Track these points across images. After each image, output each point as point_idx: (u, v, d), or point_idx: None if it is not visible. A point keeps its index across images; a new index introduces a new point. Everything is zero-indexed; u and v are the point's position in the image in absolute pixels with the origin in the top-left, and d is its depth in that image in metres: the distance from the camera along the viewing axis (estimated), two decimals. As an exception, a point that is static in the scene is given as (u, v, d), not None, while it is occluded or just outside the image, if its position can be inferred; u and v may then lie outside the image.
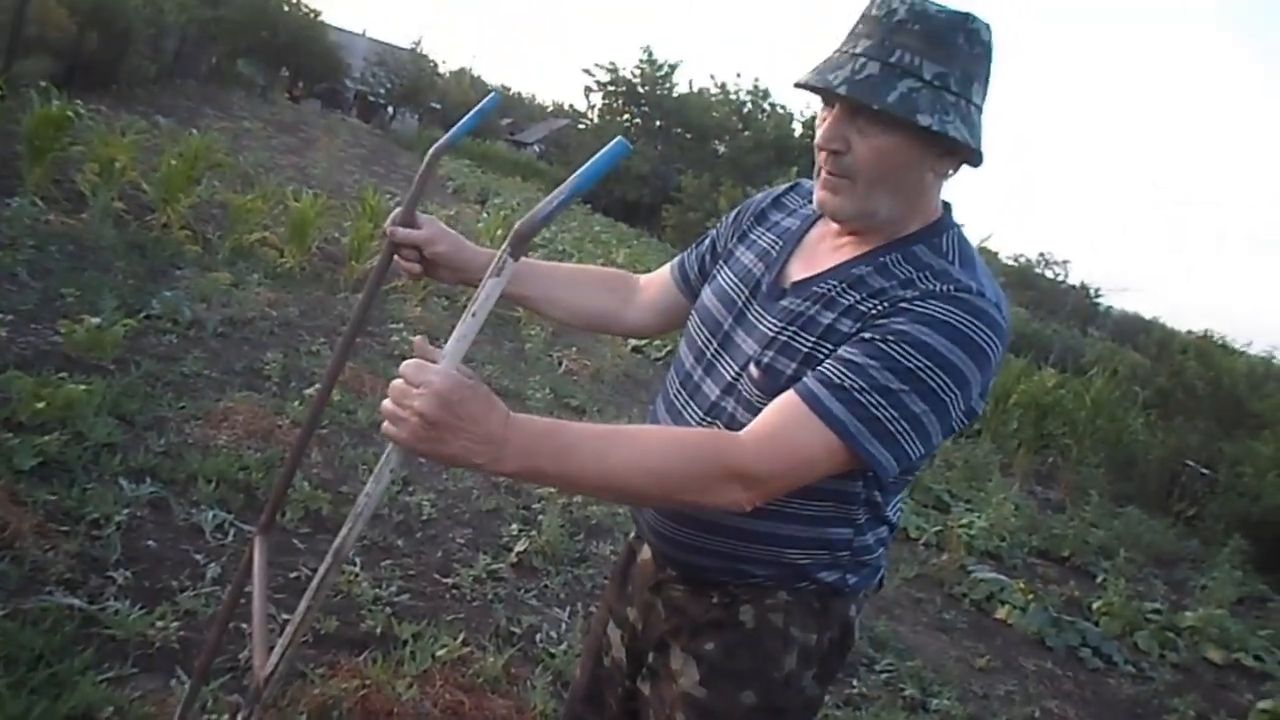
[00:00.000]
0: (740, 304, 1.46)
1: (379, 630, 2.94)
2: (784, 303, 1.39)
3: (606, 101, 35.91)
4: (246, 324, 5.50)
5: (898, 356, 1.23)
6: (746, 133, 32.93)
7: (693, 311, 1.57)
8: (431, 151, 1.58)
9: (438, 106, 46.20)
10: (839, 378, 1.24)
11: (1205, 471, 10.22)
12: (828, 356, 1.29)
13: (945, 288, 1.27)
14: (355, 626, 2.94)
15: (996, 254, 20.67)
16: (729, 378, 1.41)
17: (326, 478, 3.93)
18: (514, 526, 4.10)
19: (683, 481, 1.22)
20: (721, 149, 33.76)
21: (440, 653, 2.86)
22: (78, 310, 4.56)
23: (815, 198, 1.38)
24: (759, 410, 1.31)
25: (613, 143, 1.03)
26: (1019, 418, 10.27)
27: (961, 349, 1.23)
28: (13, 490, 2.94)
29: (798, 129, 31.48)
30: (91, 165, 6.80)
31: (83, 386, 3.62)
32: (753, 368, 1.36)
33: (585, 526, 4.43)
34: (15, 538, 2.73)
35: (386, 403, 1.09)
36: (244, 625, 2.72)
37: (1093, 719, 4.38)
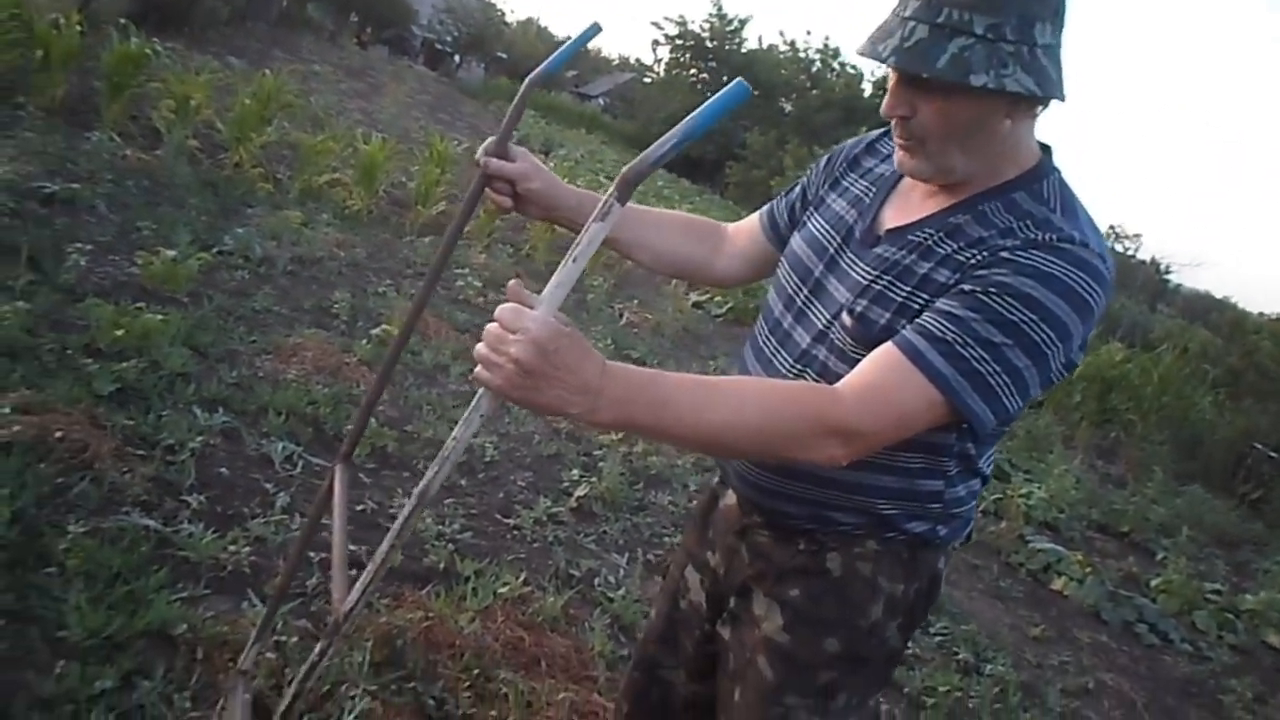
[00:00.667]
0: (832, 251, 1.43)
1: (442, 566, 2.99)
2: (878, 250, 1.36)
3: (674, 55, 35.61)
4: (315, 263, 5.57)
5: (1000, 309, 1.19)
6: (815, 91, 32.47)
7: (782, 259, 1.54)
8: (527, 81, 1.56)
9: (504, 56, 46.17)
10: (940, 330, 1.21)
11: (1274, 455, 9.99)
12: (923, 307, 1.26)
13: (1048, 237, 1.23)
14: (419, 561, 2.99)
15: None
16: (820, 325, 1.38)
17: (392, 416, 3.98)
18: (574, 472, 4.13)
19: (780, 437, 1.20)
20: (788, 107, 33.33)
21: (501, 590, 2.90)
22: (153, 244, 4.64)
23: (895, 159, 1.36)
24: (851, 359, 1.30)
25: (731, 84, 0.98)
26: (1083, 390, 10.10)
27: (1065, 301, 1.19)
28: (92, 414, 3.01)
29: (867, 89, 30.99)
30: (167, 103, 6.90)
31: (159, 317, 3.70)
32: (845, 316, 1.34)
33: (645, 475, 4.45)
34: (94, 459, 2.80)
35: (481, 348, 1.07)
36: (311, 554, 2.78)
37: (1147, 694, 4.32)
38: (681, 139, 1.00)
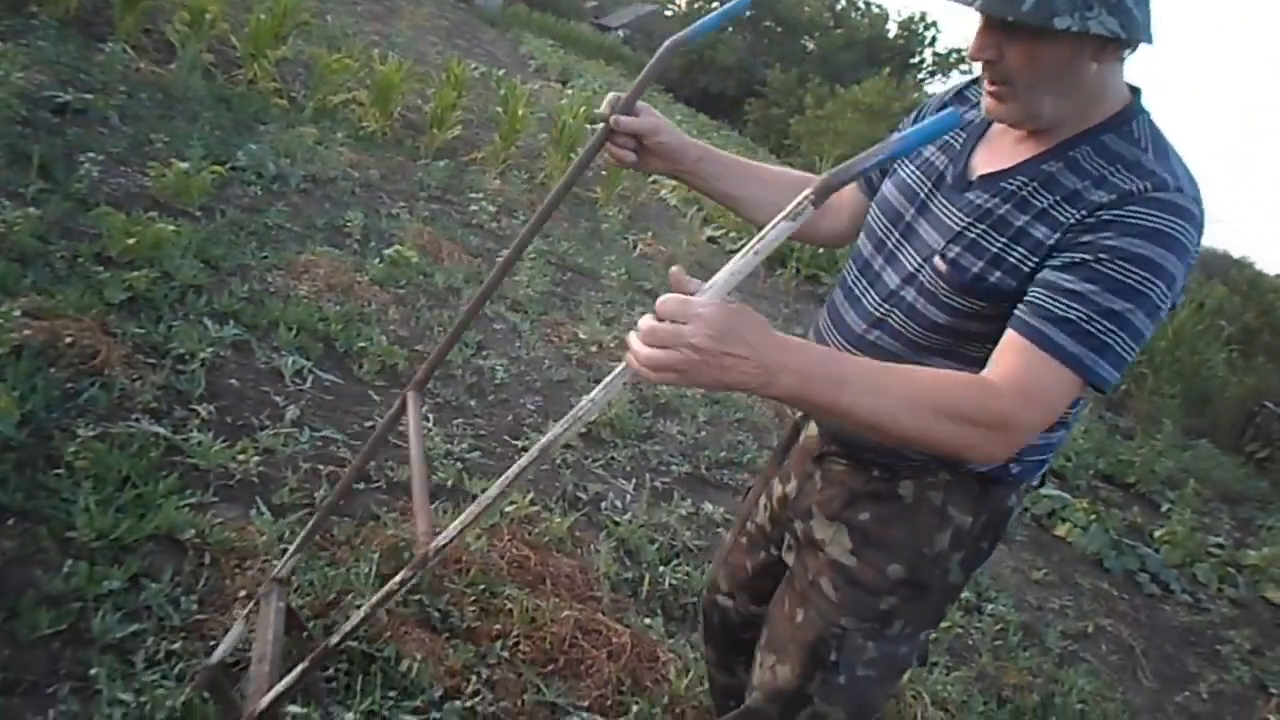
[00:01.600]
0: (923, 195, 1.43)
1: (450, 483, 3.00)
2: (970, 196, 1.37)
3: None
4: (329, 182, 5.51)
5: (1116, 275, 1.20)
6: (839, 30, 32.01)
7: (873, 205, 1.54)
8: (666, 45, 1.55)
9: (523, -16, 45.32)
10: (1064, 310, 1.21)
11: (1283, 414, 9.95)
12: (1019, 262, 1.28)
13: (1142, 187, 1.23)
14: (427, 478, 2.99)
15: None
16: (911, 268, 1.40)
17: (403, 335, 3.97)
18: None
19: (952, 428, 1.18)
20: (811, 45, 32.85)
21: (509, 509, 2.90)
22: (166, 156, 4.59)
23: (983, 105, 1.36)
24: (942, 302, 1.34)
25: (943, 114, 1.01)
26: (1095, 342, 10.04)
27: (1170, 252, 1.21)
28: (103, 321, 3.00)
29: (892, 29, 30.49)
30: (181, 15, 6.78)
31: (171, 228, 3.66)
32: (938, 260, 1.35)
33: (654, 404, 4.44)
34: (105, 365, 2.80)
35: (645, 345, 1.06)
36: (319, 466, 2.79)
37: (1145, 641, 4.35)
38: (890, 154, 1.01)
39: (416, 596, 2.39)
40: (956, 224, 1.36)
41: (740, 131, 26.96)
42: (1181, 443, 8.63)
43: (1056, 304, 1.22)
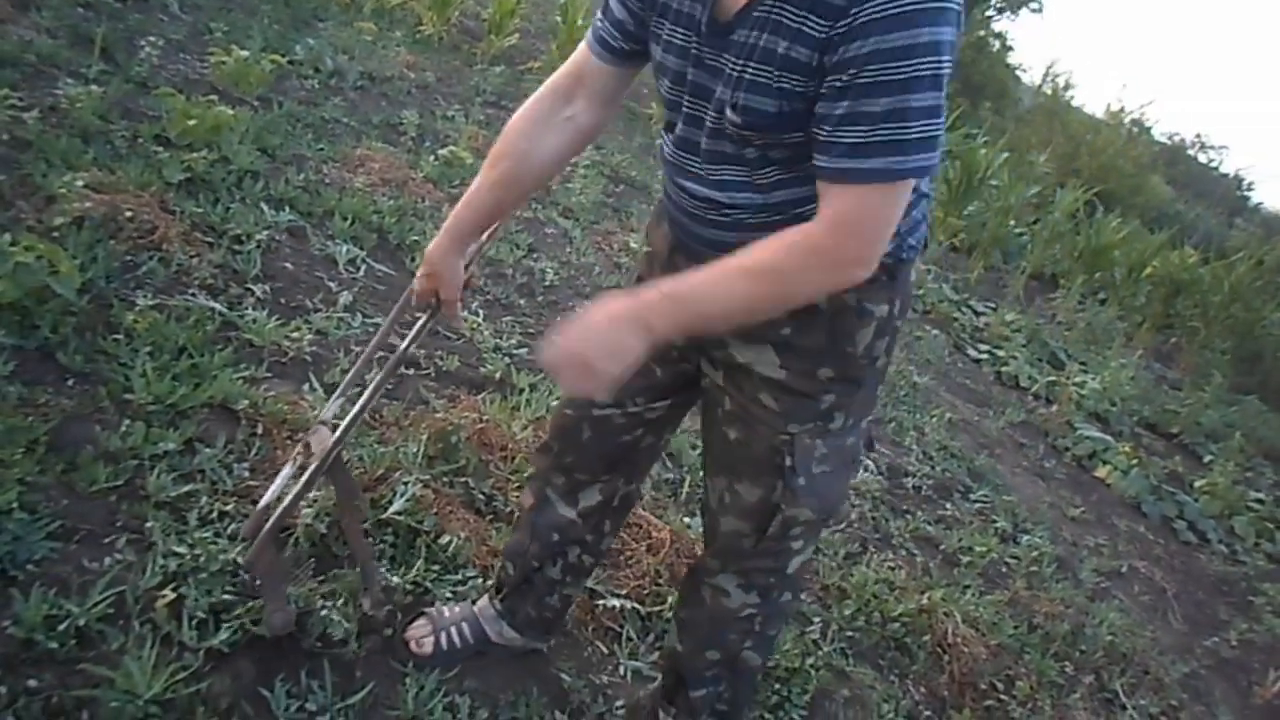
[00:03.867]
0: (693, 49, 1.38)
1: (498, 376, 3.02)
2: (732, 37, 1.32)
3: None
4: (385, 81, 5.48)
5: (881, 79, 1.19)
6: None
7: (657, 74, 1.49)
8: None
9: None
10: (845, 135, 1.23)
11: (1337, 376, 9.75)
12: (803, 90, 1.26)
13: None
14: (475, 369, 3.02)
15: (1149, 128, 19.36)
16: (711, 123, 1.38)
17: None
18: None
19: (801, 288, 1.32)
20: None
21: (554, 403, 2.92)
22: (225, 45, 4.58)
23: None
24: (756, 144, 1.34)
25: None
26: (1149, 293, 9.87)
27: (922, 26, 1.17)
28: (162, 199, 3.02)
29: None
30: (245, -94, 6.73)
31: (230, 112, 3.67)
32: (729, 111, 1.33)
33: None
34: (163, 241, 2.82)
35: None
36: (360, 348, 2.81)
37: (1177, 585, 4.34)
38: None
39: (462, 479, 2.42)
40: (731, 69, 1.32)
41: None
42: (1229, 397, 8.50)
43: (837, 134, 1.23)
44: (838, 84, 1.21)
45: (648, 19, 1.47)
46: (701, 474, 1.78)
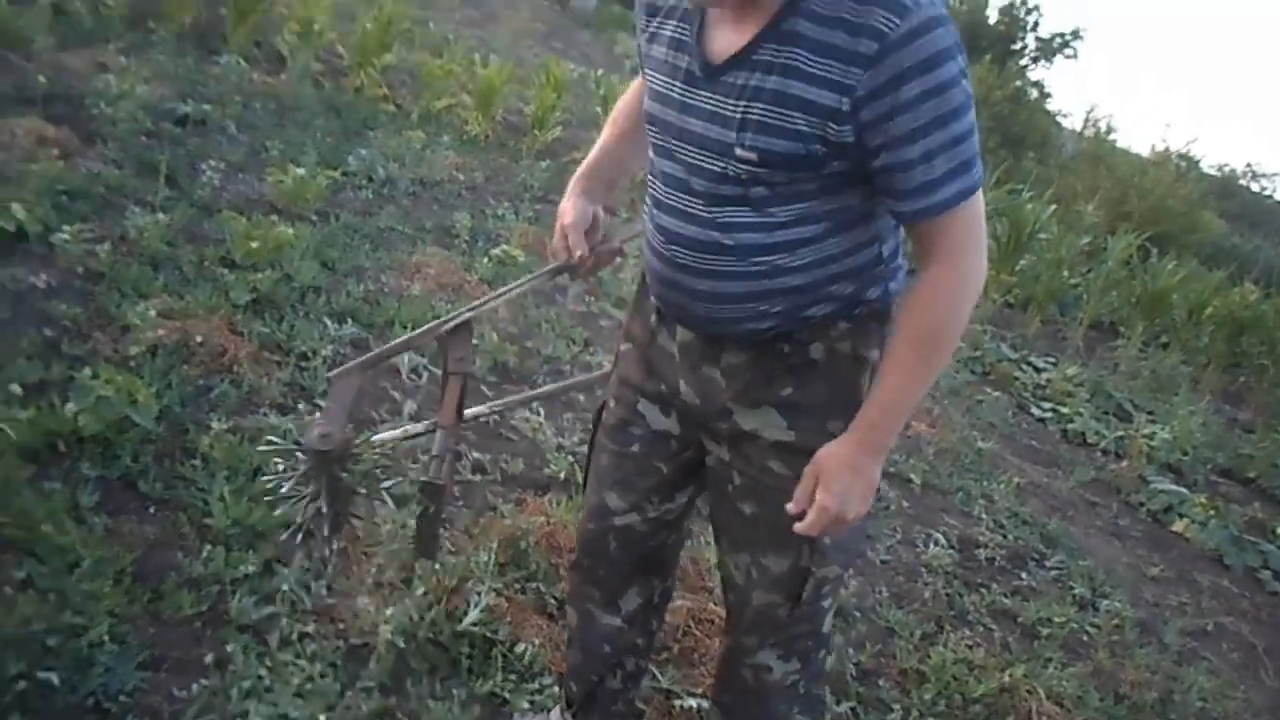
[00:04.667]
0: (678, 96, 1.44)
1: (562, 475, 3.06)
2: (727, 80, 1.38)
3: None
4: (435, 185, 5.65)
5: (933, 115, 1.28)
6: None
7: (643, 118, 1.55)
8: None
9: (616, -14, 45.62)
10: (923, 175, 1.31)
11: None
12: (824, 131, 1.31)
13: (892, 24, 1.25)
14: (540, 470, 3.06)
15: (1198, 162, 19.15)
16: (717, 168, 1.41)
17: (512, 332, 4.05)
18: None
19: (957, 331, 1.43)
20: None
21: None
22: (282, 163, 4.77)
23: None
24: (765, 181, 1.38)
25: None
26: (1212, 333, 9.67)
27: (950, 60, 1.28)
28: (230, 321, 3.14)
29: (992, 15, 29.73)
30: (291, 26, 7.02)
31: (290, 231, 3.81)
32: (739, 151, 1.37)
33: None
34: (234, 363, 2.93)
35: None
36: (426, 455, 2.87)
37: (1268, 639, 4.19)
38: None
39: (534, 584, 2.45)
40: (732, 111, 1.37)
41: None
42: (1307, 438, 8.27)
43: (912, 178, 1.32)
44: (895, 131, 1.29)
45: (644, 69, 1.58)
46: (716, 552, 1.78)
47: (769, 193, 1.39)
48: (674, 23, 1.48)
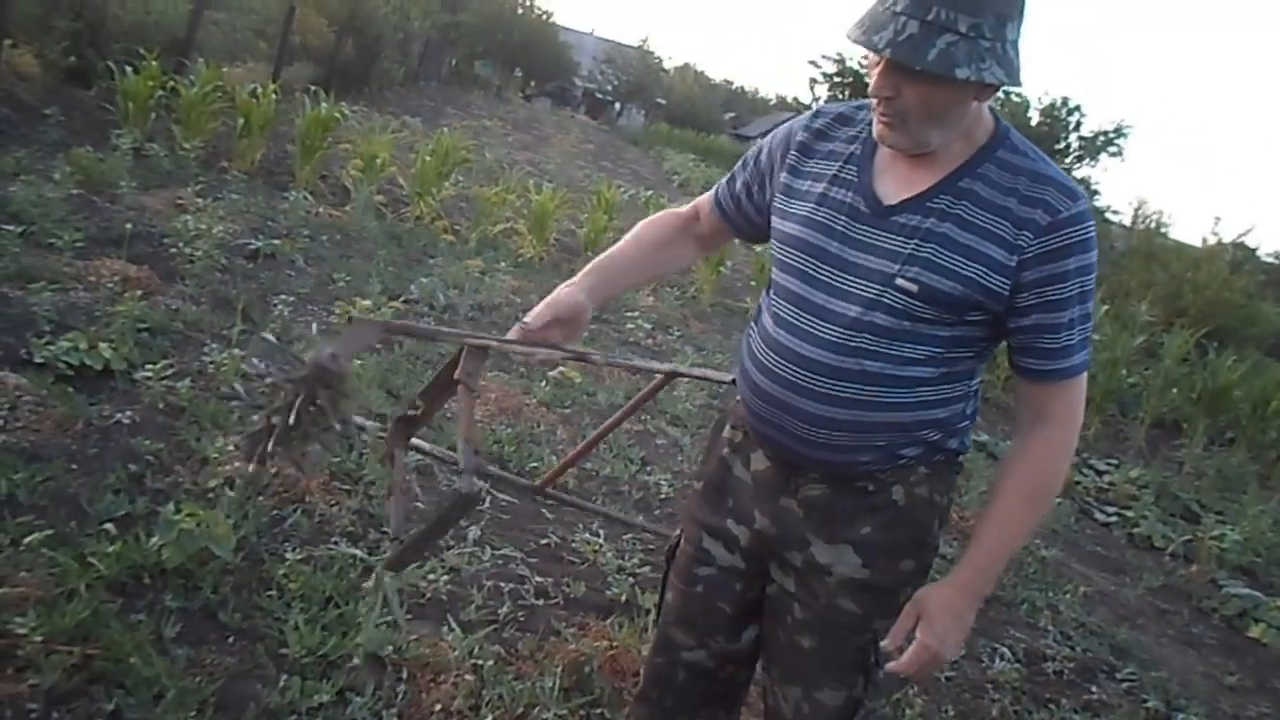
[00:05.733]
0: (841, 228, 1.55)
1: (624, 598, 3.10)
2: (898, 220, 1.51)
3: (832, 94, 35.44)
4: (494, 309, 5.84)
5: (1081, 290, 1.47)
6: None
7: (781, 245, 1.63)
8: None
9: (663, 102, 46.96)
10: (1075, 338, 1.49)
11: None
12: (986, 280, 1.45)
13: (1064, 203, 1.45)
14: (601, 593, 3.11)
15: (1254, 251, 18.94)
16: (869, 295, 1.50)
17: (570, 453, 4.14)
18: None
19: (1058, 485, 1.58)
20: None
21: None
22: (348, 294, 4.98)
23: (875, 131, 1.51)
24: (916, 315, 1.49)
25: None
26: (1279, 427, 9.48)
27: (1095, 246, 1.49)
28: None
29: (1034, 117, 30.03)
30: (355, 161, 7.38)
31: (357, 362, 3.97)
32: (901, 281, 1.48)
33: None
34: (304, 494, 3.05)
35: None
36: (501, 584, 2.94)
37: (1356, 752, 4.04)
38: None
39: (599, 709, 2.48)
40: (900, 247, 1.49)
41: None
42: (1386, 534, 8.01)
43: (1062, 338, 1.49)
44: (1051, 295, 1.46)
45: (765, 202, 1.71)
46: (765, 680, 1.79)
47: (910, 326, 1.49)
48: (837, 163, 1.60)
